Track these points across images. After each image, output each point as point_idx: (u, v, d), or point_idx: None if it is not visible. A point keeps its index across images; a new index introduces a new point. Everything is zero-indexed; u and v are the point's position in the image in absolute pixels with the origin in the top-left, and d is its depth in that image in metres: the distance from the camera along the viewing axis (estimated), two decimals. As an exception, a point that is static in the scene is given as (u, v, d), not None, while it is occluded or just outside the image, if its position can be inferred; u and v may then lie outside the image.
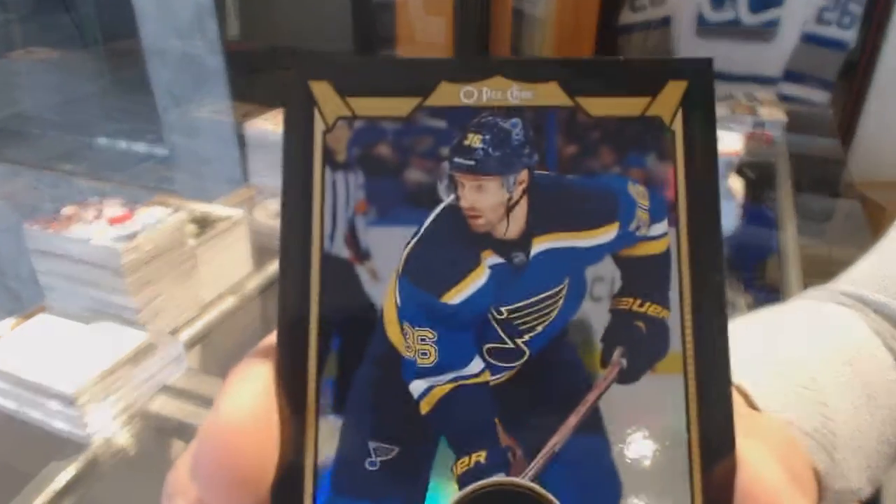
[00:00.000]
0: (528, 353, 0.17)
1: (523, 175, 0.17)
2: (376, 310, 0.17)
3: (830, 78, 2.08)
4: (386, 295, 0.17)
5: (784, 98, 1.77)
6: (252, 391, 0.15)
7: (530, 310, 0.17)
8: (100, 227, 0.83)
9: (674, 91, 0.17)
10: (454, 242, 0.17)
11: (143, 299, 0.84)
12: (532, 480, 0.16)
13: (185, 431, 0.77)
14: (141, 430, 0.76)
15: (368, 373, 0.17)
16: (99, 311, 0.85)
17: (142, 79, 1.92)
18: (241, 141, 1.27)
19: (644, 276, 0.17)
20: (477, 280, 0.17)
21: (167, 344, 0.80)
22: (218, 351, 0.94)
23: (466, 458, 0.16)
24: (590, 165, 0.17)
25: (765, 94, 1.75)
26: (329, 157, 0.17)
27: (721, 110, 1.58)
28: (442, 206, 0.17)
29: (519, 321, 0.17)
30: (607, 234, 0.17)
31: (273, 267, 1.06)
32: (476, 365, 0.17)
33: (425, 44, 1.95)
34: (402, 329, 0.17)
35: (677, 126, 0.17)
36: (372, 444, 0.16)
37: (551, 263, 0.17)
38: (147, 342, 0.79)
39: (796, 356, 0.38)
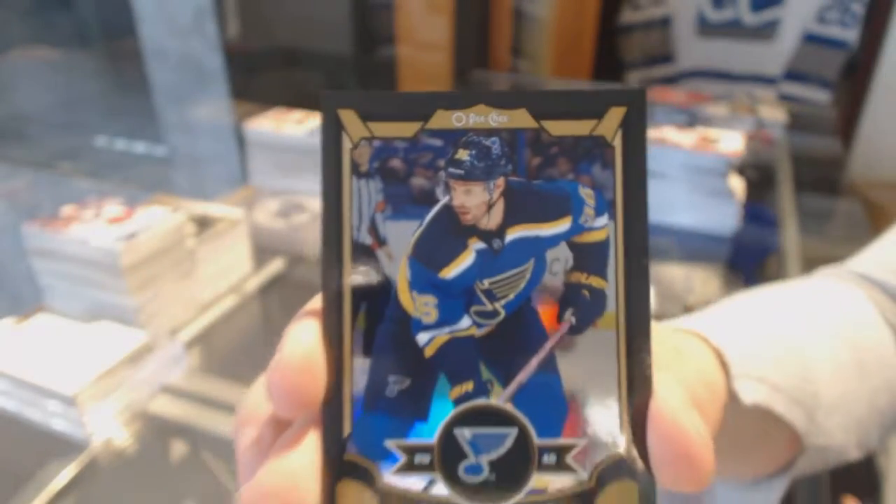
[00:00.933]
0: (503, 313, 0.23)
1: (500, 181, 0.23)
2: (391, 282, 0.23)
3: (831, 78, 2.09)
4: (399, 271, 0.23)
5: (785, 98, 1.77)
6: (307, 338, 0.21)
7: (505, 282, 0.23)
8: (99, 227, 0.83)
9: (615, 115, 0.23)
10: (449, 232, 0.23)
11: (142, 299, 0.84)
12: (504, 403, 0.22)
13: (184, 431, 0.77)
14: (140, 431, 0.76)
15: (387, 328, 0.23)
16: (98, 311, 0.85)
17: (141, 78, 1.92)
18: (241, 141, 1.27)
19: (589, 257, 0.23)
20: (466, 260, 0.23)
21: (166, 344, 0.81)
22: (217, 351, 0.94)
23: (459, 387, 0.23)
24: (550, 173, 0.23)
25: (765, 93, 1.75)
26: (355, 169, 0.23)
27: (721, 110, 1.58)
28: (439, 205, 0.23)
29: (497, 290, 0.23)
30: (563, 225, 0.23)
31: (272, 267, 1.07)
32: (465, 322, 0.23)
33: (425, 43, 1.95)
34: (411, 296, 0.23)
35: (617, 142, 0.23)
36: (391, 378, 0.22)
37: (521, 247, 0.23)
38: (146, 342, 0.79)
39: (787, 324, 0.41)
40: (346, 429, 0.22)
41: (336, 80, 2.06)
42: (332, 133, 0.23)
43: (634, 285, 0.23)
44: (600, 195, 0.23)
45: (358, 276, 0.22)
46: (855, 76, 2.03)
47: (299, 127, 1.19)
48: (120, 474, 0.74)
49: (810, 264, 0.53)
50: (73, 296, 0.86)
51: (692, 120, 1.55)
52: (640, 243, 0.23)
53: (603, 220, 0.23)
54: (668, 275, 1.09)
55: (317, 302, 0.23)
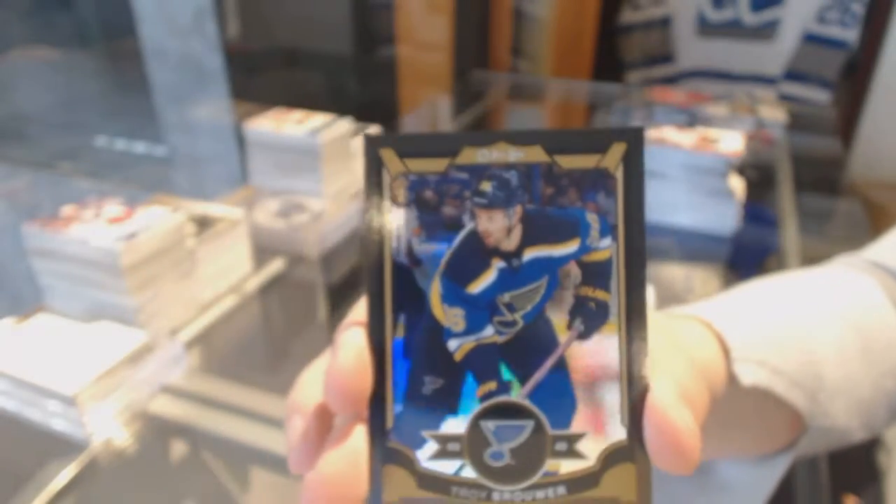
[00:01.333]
0: (521, 323, 0.26)
1: (518, 208, 0.26)
2: (426, 296, 0.26)
3: (831, 78, 2.09)
4: (432, 287, 0.26)
5: (785, 98, 1.77)
6: (355, 346, 0.25)
7: (523, 295, 0.26)
8: (99, 227, 0.83)
9: (617, 150, 0.26)
10: (474, 253, 0.26)
11: (142, 299, 0.84)
12: (522, 399, 0.26)
13: (184, 431, 0.78)
14: (140, 431, 0.76)
15: (422, 336, 0.26)
16: (98, 310, 0.85)
17: (141, 78, 1.92)
18: (241, 141, 1.27)
19: (595, 273, 0.26)
20: (489, 277, 0.26)
21: (166, 344, 0.81)
22: (217, 351, 0.94)
23: (484, 386, 0.26)
24: (561, 201, 0.26)
25: (765, 93, 1.75)
26: (394, 199, 0.26)
27: (721, 110, 1.58)
28: (466, 229, 0.26)
29: (516, 303, 0.26)
30: (572, 246, 0.26)
31: (272, 267, 1.07)
32: (489, 330, 0.26)
33: (425, 43, 1.96)
34: (442, 309, 0.26)
35: (619, 174, 0.26)
36: (426, 378, 0.26)
37: (536, 266, 0.26)
38: (146, 342, 0.79)
39: (792, 309, 0.43)
40: (389, 422, 0.26)
41: (336, 80, 2.06)
42: (374, 169, 0.26)
43: (634, 296, 0.26)
44: (604, 220, 0.26)
45: (397, 291, 0.26)
46: (855, 76, 2.03)
47: (299, 127, 1.19)
48: (120, 474, 0.74)
49: (810, 264, 0.54)
50: (73, 296, 0.86)
51: (692, 120, 1.55)
52: (639, 260, 0.26)
53: (607, 241, 0.26)
54: (668, 275, 1.09)
55: (359, 313, 0.26)
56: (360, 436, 0.25)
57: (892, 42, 1.91)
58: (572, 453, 0.25)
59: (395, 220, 0.26)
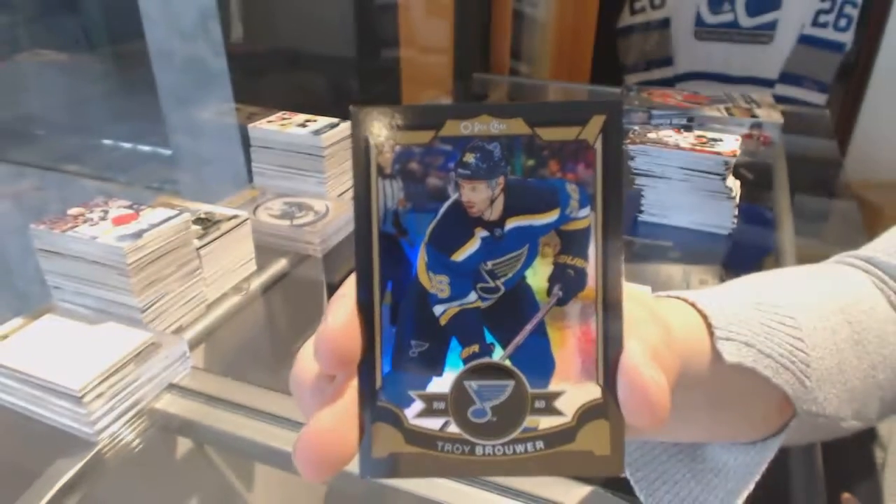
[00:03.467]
0: (503, 289, 0.27)
1: (501, 179, 0.27)
2: (412, 264, 0.27)
3: (827, 80, 2.09)
4: (418, 255, 0.27)
5: (781, 100, 1.77)
6: (345, 311, 0.26)
7: (505, 263, 0.27)
8: (105, 228, 0.84)
9: (596, 122, 0.26)
10: (458, 223, 0.27)
11: (148, 299, 0.85)
12: (503, 361, 0.27)
13: (189, 429, 0.78)
14: (146, 428, 0.77)
15: (409, 302, 0.27)
16: (104, 310, 0.86)
17: (147, 81, 1.93)
18: (246, 142, 1.28)
19: (574, 242, 0.27)
20: (473, 246, 0.27)
21: (172, 343, 0.81)
22: (222, 350, 0.95)
23: (467, 349, 0.27)
24: (542, 172, 0.27)
25: (762, 95, 1.75)
26: (380, 171, 0.27)
27: (718, 112, 1.59)
28: (450, 200, 0.27)
29: (498, 270, 0.27)
30: (553, 216, 0.27)
31: (276, 267, 1.08)
32: (472, 296, 0.27)
33: (427, 47, 1.96)
34: (428, 276, 0.27)
35: (598, 145, 0.26)
36: (413, 342, 0.27)
37: (518, 235, 0.27)
38: (152, 341, 0.80)
39: (783, 299, 0.43)
40: (378, 382, 0.27)
41: (339, 82, 2.06)
42: (361, 141, 0.27)
43: (610, 265, 0.27)
44: (583, 190, 0.27)
45: (385, 259, 0.27)
46: (851, 78, 2.03)
47: (303, 129, 1.20)
48: (126, 471, 0.74)
49: (806, 264, 0.55)
50: (79, 295, 0.87)
51: (690, 122, 1.56)
52: (616, 230, 0.27)
53: (586, 211, 0.27)
54: (665, 274, 1.10)
55: (350, 284, 0.27)
56: (350, 396, 0.26)
57: (887, 44, 1.91)
58: (550, 410, 0.27)
59: (381, 191, 0.27)
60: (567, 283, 0.27)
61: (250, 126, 1.24)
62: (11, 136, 2.41)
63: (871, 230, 1.28)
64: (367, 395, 0.27)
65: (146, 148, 2.28)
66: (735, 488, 0.41)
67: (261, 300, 1.03)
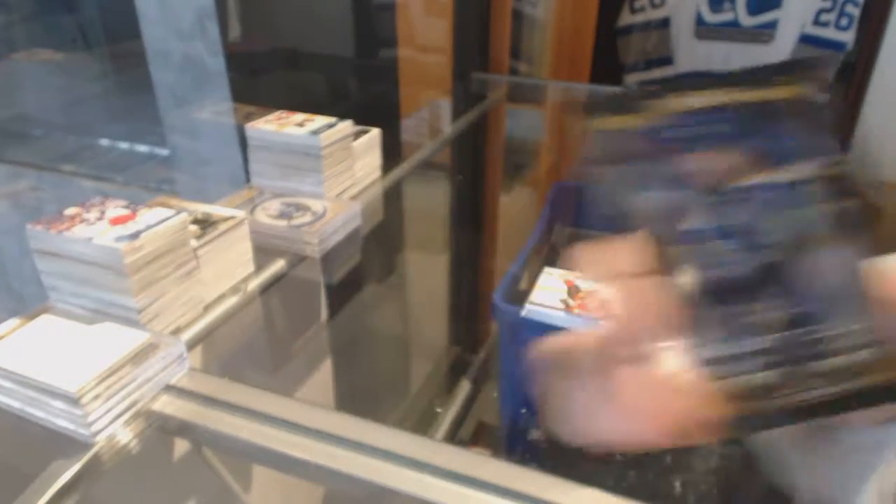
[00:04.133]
0: (771, 244, 0.30)
1: (731, 146, 0.29)
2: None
3: (828, 79, 2.08)
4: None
5: (782, 99, 1.77)
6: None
7: (765, 220, 0.30)
8: (102, 228, 0.83)
9: (810, 76, 0.30)
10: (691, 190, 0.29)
11: (145, 299, 0.84)
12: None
13: (187, 430, 0.78)
14: (144, 430, 0.77)
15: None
16: (101, 311, 0.85)
17: (144, 80, 1.93)
18: (243, 142, 1.27)
19: (815, 192, 0.32)
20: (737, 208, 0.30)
21: (169, 344, 0.81)
22: (220, 351, 0.95)
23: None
24: (768, 132, 0.29)
25: (763, 95, 1.75)
26: (612, 159, 0.29)
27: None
28: (683, 170, 0.29)
29: (762, 227, 0.29)
30: (788, 173, 0.30)
31: (273, 268, 1.07)
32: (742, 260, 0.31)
33: (425, 46, 1.96)
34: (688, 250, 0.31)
35: (816, 98, 0.30)
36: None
37: (759, 193, 0.29)
38: (149, 342, 0.80)
39: None
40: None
41: (337, 82, 2.06)
42: (596, 135, 0.29)
43: (846, 212, 0.31)
44: (806, 142, 0.29)
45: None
46: (851, 77, 2.03)
47: (301, 128, 1.20)
48: (123, 472, 0.74)
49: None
50: (76, 296, 0.86)
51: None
52: (851, 176, 0.31)
53: (813, 162, 0.30)
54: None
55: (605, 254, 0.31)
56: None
57: (888, 43, 1.91)
58: None
59: (616, 175, 0.29)
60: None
61: (247, 126, 1.23)
62: (8, 135, 2.40)
63: (871, 229, 1.28)
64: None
65: (143, 148, 2.27)
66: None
67: (259, 301, 1.03)
